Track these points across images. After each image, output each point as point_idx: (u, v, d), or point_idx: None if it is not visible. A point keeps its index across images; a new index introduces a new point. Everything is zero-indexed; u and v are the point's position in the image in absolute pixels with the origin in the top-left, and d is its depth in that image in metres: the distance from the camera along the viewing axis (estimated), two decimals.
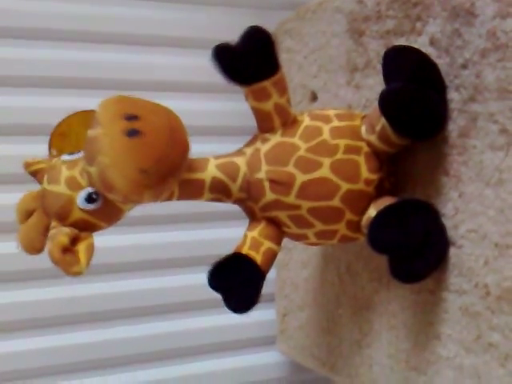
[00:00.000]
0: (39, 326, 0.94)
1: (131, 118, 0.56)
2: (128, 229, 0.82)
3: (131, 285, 0.98)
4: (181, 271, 1.00)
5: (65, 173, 0.60)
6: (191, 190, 0.63)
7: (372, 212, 0.62)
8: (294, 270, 0.92)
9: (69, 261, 0.57)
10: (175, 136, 0.57)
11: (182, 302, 1.00)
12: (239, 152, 0.66)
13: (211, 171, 0.63)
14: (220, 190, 0.64)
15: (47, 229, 0.60)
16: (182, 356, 1.01)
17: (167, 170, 0.56)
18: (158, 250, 0.99)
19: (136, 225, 0.94)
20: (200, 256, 0.99)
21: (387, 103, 0.60)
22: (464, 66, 0.59)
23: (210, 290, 0.62)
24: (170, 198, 0.63)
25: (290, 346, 0.95)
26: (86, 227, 0.60)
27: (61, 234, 0.58)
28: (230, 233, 0.82)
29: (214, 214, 1.00)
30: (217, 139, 0.99)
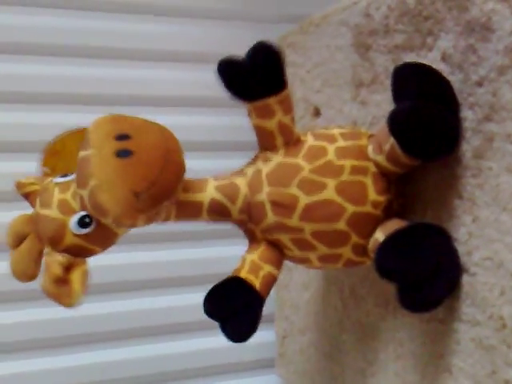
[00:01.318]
0: (33, 347, 0.92)
1: (122, 137, 0.54)
2: (121, 247, 0.79)
3: (124, 305, 0.96)
4: (176, 291, 0.98)
5: (57, 196, 0.58)
6: (189, 211, 0.61)
7: (379, 235, 0.60)
8: (294, 291, 0.90)
9: (62, 292, 0.56)
10: (170, 156, 0.55)
11: (178, 323, 0.99)
12: (240, 172, 0.64)
13: (210, 193, 0.61)
14: (219, 212, 0.62)
15: (41, 255, 0.58)
16: (179, 379, 0.99)
17: (161, 192, 0.54)
18: (152, 268, 0.97)
19: (130, 243, 0.90)
20: (196, 275, 0.98)
21: (397, 123, 0.57)
22: (479, 84, 0.57)
23: None
24: (167, 220, 0.61)
25: (289, 370, 0.92)
26: (79, 252, 0.58)
27: (54, 263, 0.56)
28: (228, 251, 0.82)
29: (212, 232, 0.99)
30: (216, 154, 0.97)
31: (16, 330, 0.91)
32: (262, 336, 0.96)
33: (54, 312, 0.89)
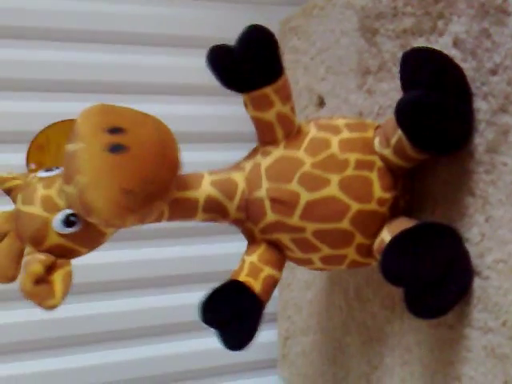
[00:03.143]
0: (24, 349, 0.91)
1: (115, 130, 0.51)
2: (117, 245, 0.78)
3: (124, 305, 0.95)
4: (176, 290, 0.97)
5: (40, 192, 0.55)
6: (183, 210, 0.59)
7: (385, 235, 0.57)
8: (297, 290, 0.88)
9: (42, 293, 0.53)
10: (165, 151, 0.52)
11: (178, 322, 0.97)
12: (237, 167, 0.61)
13: (206, 189, 0.59)
14: (215, 210, 0.59)
15: (21, 254, 0.56)
16: (180, 380, 0.98)
17: (155, 190, 0.52)
18: (150, 266, 0.96)
19: (126, 240, 0.90)
20: (196, 273, 0.96)
21: (405, 113, 0.54)
22: (493, 72, 0.54)
23: None
24: (159, 219, 0.58)
25: (291, 372, 0.91)
26: (63, 253, 0.55)
27: (34, 262, 0.53)
28: (229, 248, 0.81)
29: (211, 228, 0.95)
30: (215, 146, 0.95)
31: (6, 331, 0.89)
32: (265, 336, 0.94)
33: (43, 313, 0.88)
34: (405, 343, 0.66)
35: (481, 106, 0.55)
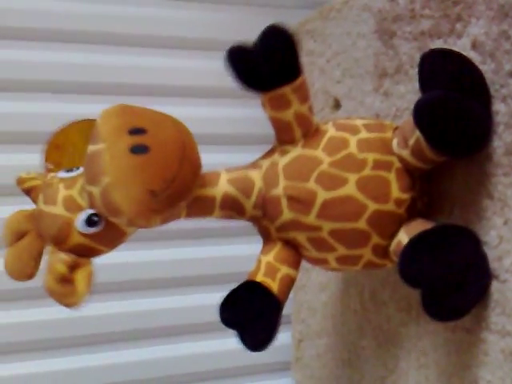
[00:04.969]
0: (34, 348, 0.91)
1: (137, 131, 0.51)
2: (130, 245, 0.78)
3: (136, 305, 0.95)
4: (191, 291, 0.97)
5: (62, 192, 0.56)
6: (200, 207, 0.59)
7: (403, 237, 0.57)
8: (311, 292, 0.87)
9: (65, 292, 0.54)
10: (186, 151, 0.52)
11: (191, 324, 0.97)
12: (254, 165, 0.61)
13: (223, 186, 0.59)
14: (232, 207, 0.60)
15: (40, 253, 0.57)
16: (192, 382, 0.98)
17: (178, 190, 0.52)
18: (165, 267, 0.96)
19: (140, 241, 0.87)
20: (211, 275, 0.96)
21: (423, 115, 0.54)
22: None
23: None
24: (177, 217, 0.58)
25: (305, 374, 0.90)
26: (85, 252, 0.56)
27: (58, 261, 0.54)
28: (242, 250, 0.81)
29: (223, 230, 0.97)
30: (232, 148, 0.95)
31: (16, 330, 0.89)
32: (278, 338, 0.94)
33: (57, 312, 0.87)
34: (421, 346, 0.65)
35: (500, 108, 0.55)
